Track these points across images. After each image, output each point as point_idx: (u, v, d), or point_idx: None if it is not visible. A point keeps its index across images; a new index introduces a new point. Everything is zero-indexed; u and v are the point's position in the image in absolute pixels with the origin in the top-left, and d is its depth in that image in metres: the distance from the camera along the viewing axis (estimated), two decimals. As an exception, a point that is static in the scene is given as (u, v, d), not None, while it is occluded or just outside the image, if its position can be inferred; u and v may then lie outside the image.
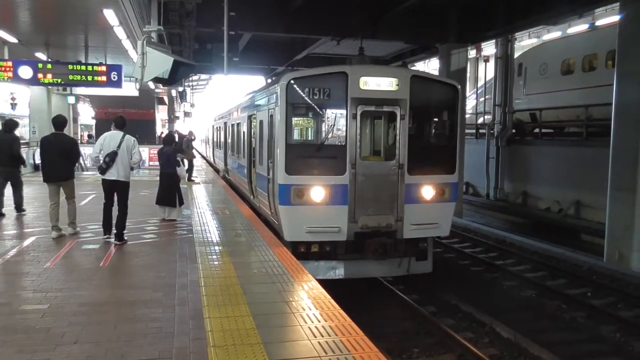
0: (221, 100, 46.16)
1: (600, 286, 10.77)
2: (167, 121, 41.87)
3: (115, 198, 8.59)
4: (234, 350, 4.27)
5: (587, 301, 9.90)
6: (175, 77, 10.31)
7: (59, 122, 8.87)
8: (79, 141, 23.18)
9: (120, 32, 12.99)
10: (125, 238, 8.53)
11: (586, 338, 8.42)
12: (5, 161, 10.48)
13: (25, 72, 13.87)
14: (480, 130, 22.90)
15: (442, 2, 16.76)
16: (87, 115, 39.31)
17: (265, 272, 6.64)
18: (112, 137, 8.50)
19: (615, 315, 9.18)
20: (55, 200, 8.76)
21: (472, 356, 7.24)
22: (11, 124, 11.08)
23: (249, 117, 12.90)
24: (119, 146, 8.33)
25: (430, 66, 29.16)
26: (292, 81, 8.85)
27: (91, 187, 13.84)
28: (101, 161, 8.38)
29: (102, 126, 28.42)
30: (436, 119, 10.14)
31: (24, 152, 17.91)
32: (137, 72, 9.63)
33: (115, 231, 8.48)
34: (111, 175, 8.37)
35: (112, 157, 8.28)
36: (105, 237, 8.65)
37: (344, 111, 8.95)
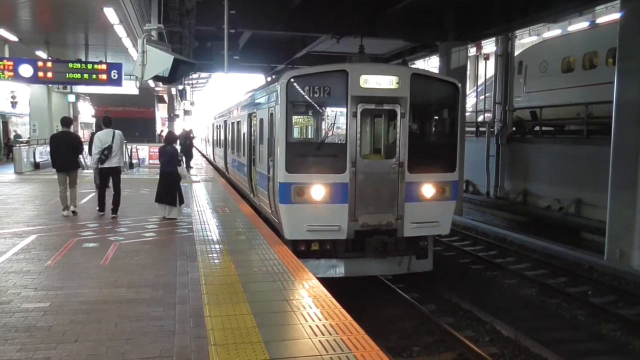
0: (221, 99, 46.15)
1: (601, 284, 10.78)
2: (167, 119, 41.84)
3: (111, 182, 10.58)
4: (234, 348, 4.28)
5: (588, 299, 9.92)
6: (175, 75, 10.39)
7: (66, 121, 10.97)
8: (83, 139, 23.47)
9: (120, 30, 12.98)
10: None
11: (587, 336, 8.43)
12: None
13: (26, 70, 13.91)
14: (481, 129, 22.89)
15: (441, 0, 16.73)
16: (87, 113, 39.29)
17: (266, 270, 6.64)
18: (105, 135, 10.35)
19: (616, 313, 9.19)
20: (64, 185, 10.45)
21: (473, 355, 7.25)
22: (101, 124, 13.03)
23: (249, 115, 12.88)
24: (112, 140, 10.27)
25: (431, 64, 29.15)
26: (292, 79, 8.83)
27: (90, 185, 13.84)
28: (99, 154, 10.17)
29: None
30: (436, 117, 10.11)
31: (24, 150, 18.19)
32: (137, 70, 9.66)
33: (112, 207, 10.50)
34: (109, 163, 10.33)
35: (109, 149, 10.23)
36: (100, 213, 10.55)
37: (344, 109, 8.93)
